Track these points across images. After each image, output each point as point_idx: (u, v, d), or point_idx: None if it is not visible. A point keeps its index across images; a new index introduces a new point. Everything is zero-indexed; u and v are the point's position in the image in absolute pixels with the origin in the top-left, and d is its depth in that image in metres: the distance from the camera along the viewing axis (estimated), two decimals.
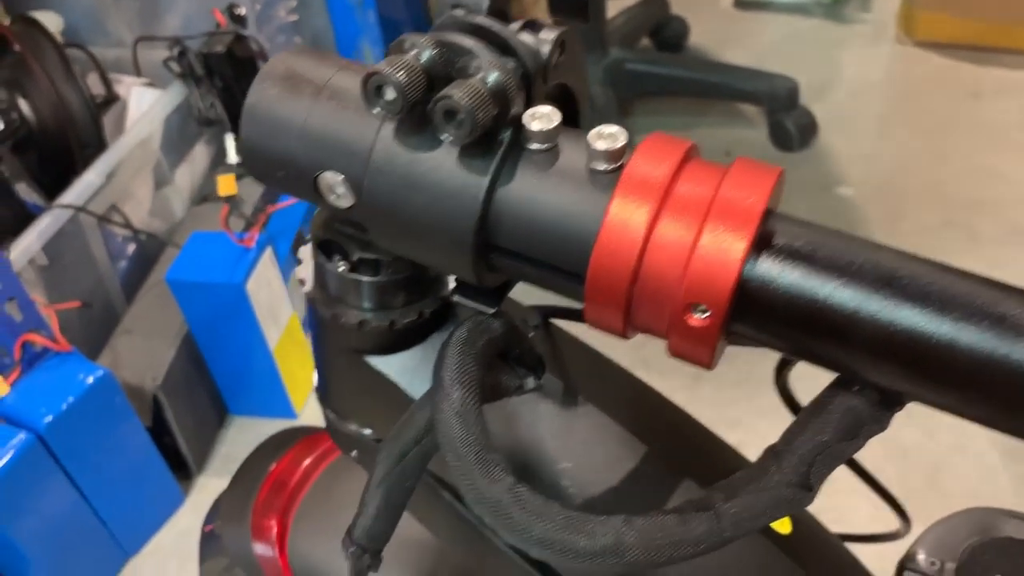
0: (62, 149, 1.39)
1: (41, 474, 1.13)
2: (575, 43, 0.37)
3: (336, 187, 0.37)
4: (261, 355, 1.36)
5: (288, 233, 1.46)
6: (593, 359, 0.47)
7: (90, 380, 1.16)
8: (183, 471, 1.38)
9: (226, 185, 1.26)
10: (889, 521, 0.54)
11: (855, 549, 0.52)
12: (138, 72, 1.59)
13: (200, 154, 1.60)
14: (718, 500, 0.34)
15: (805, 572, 0.44)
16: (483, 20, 0.34)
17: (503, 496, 0.33)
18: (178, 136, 1.53)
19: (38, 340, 1.16)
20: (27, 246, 1.22)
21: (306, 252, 0.44)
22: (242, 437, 1.46)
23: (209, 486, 1.40)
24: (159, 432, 1.31)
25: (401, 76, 0.32)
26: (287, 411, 1.45)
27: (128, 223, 1.43)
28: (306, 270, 0.44)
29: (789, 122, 1.83)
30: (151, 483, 1.32)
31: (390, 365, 0.44)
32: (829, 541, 0.50)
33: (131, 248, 1.48)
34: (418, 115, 0.34)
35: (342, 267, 0.41)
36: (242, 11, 1.53)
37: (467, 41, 0.33)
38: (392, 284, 0.41)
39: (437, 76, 0.33)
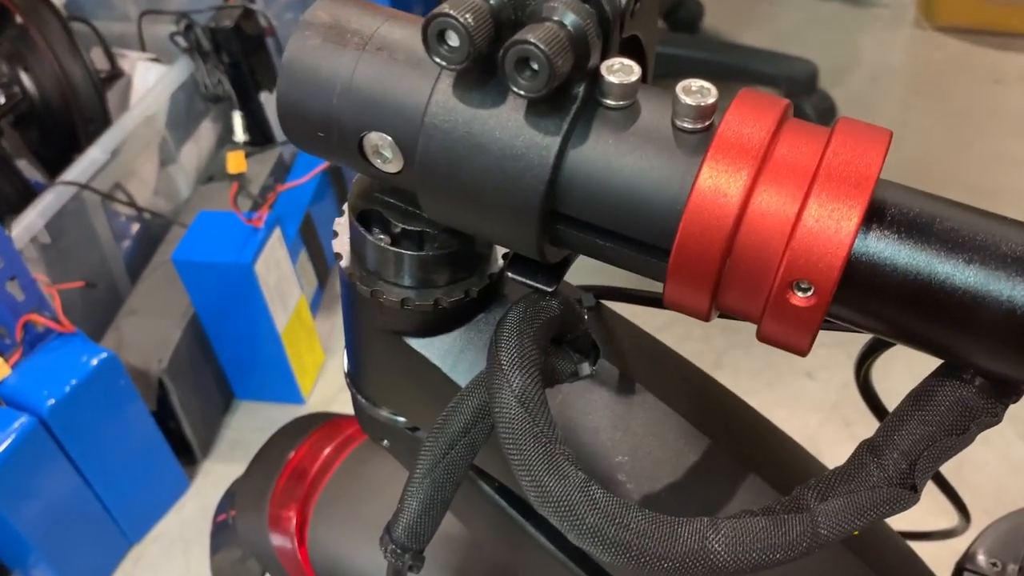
0: (65, 124, 1.35)
1: (43, 458, 1.10)
2: None
3: (383, 149, 0.33)
4: (269, 338, 1.32)
5: (296, 213, 1.42)
6: (648, 343, 0.44)
7: (94, 362, 1.12)
8: (188, 456, 1.35)
9: (236, 162, 1.22)
10: (928, 519, 0.50)
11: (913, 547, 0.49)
12: (143, 47, 1.54)
13: (206, 132, 1.56)
14: (811, 501, 0.30)
15: (875, 573, 0.41)
16: None
17: (574, 496, 0.30)
18: (184, 113, 1.49)
19: (40, 320, 1.12)
20: (29, 223, 1.18)
21: (342, 224, 0.40)
22: (248, 422, 1.43)
23: (214, 472, 1.37)
24: (164, 416, 1.28)
25: (468, 18, 0.28)
26: (295, 396, 1.42)
27: (132, 202, 1.39)
28: (342, 243, 0.40)
29: (808, 106, 1.79)
30: (155, 468, 1.29)
31: (432, 348, 0.40)
32: (895, 541, 0.47)
33: (135, 227, 1.44)
34: (481, 66, 0.30)
35: (383, 240, 0.38)
36: None
37: None
38: (437, 259, 0.38)
39: (505, 21, 0.29)
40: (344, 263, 0.39)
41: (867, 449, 0.31)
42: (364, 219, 0.38)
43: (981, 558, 0.56)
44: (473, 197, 0.32)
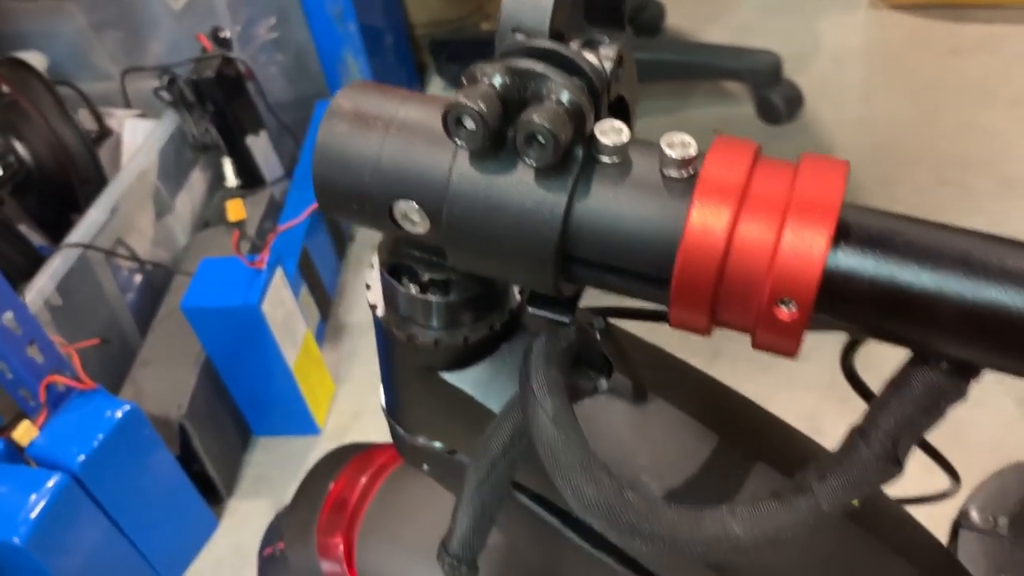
0: (62, 188, 1.39)
1: (78, 512, 1.14)
2: (629, 57, 0.38)
3: (411, 215, 0.38)
4: (281, 374, 1.37)
5: (294, 251, 1.47)
6: (656, 355, 0.49)
7: (118, 415, 1.16)
8: (213, 496, 1.39)
9: (235, 210, 1.27)
10: (928, 482, 0.55)
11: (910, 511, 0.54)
12: (128, 104, 1.59)
13: (198, 180, 1.60)
14: (813, 481, 0.35)
15: (876, 539, 0.46)
16: (549, 44, 0.35)
17: (613, 499, 0.35)
18: (175, 164, 1.53)
19: (62, 380, 1.16)
20: (41, 287, 1.22)
21: (373, 277, 0.45)
22: (268, 457, 1.47)
23: (240, 509, 1.41)
24: (187, 459, 1.32)
25: (481, 105, 0.33)
26: (310, 427, 1.46)
27: (134, 255, 1.43)
28: (375, 295, 0.45)
29: (775, 96, 1.85)
30: (184, 510, 1.33)
31: (464, 379, 0.45)
32: (892, 507, 0.52)
33: (138, 279, 1.48)
34: (494, 140, 0.35)
35: (414, 290, 0.42)
36: (226, 34, 1.53)
37: (538, 66, 0.34)
38: (463, 302, 0.42)
39: (511, 101, 0.34)
40: (380, 312, 0.44)
41: (856, 433, 0.36)
42: (394, 272, 0.43)
43: (975, 514, 0.61)
44: (495, 249, 0.37)
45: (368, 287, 0.45)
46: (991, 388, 1.34)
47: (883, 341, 0.35)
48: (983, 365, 0.34)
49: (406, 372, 0.47)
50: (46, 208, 1.44)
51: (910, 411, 0.35)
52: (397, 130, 0.37)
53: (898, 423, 0.35)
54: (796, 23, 2.18)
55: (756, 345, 0.35)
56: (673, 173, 0.34)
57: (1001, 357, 0.32)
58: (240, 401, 1.43)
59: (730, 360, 1.53)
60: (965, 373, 0.35)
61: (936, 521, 0.56)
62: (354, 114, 0.38)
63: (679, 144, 0.34)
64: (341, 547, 0.66)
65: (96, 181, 1.40)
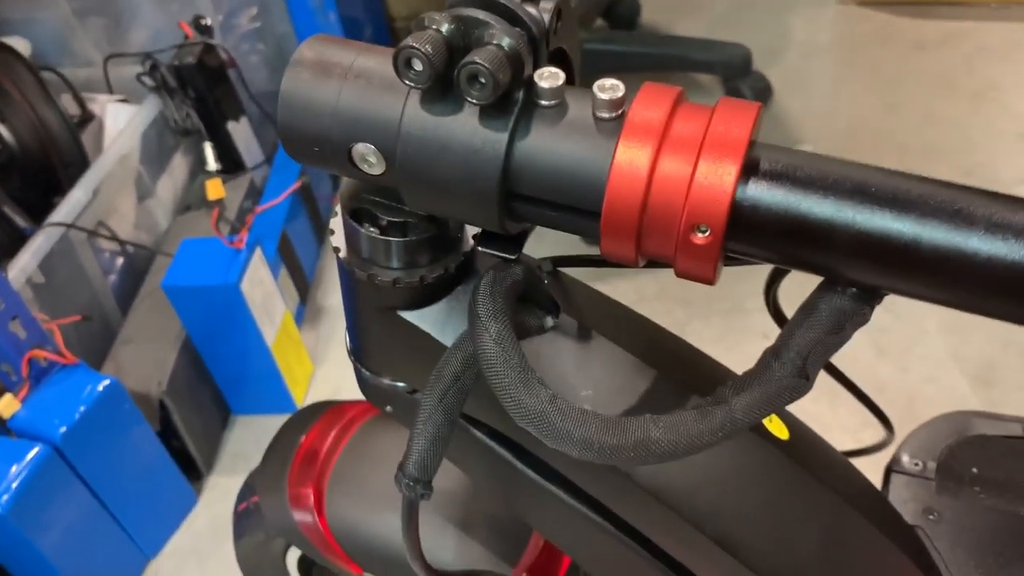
0: (45, 170, 1.41)
1: (60, 484, 1.17)
2: (568, 11, 0.42)
3: (368, 156, 0.42)
4: (260, 353, 1.40)
5: (273, 234, 1.50)
6: (600, 300, 0.53)
7: (99, 389, 1.19)
8: (193, 472, 1.42)
9: (214, 189, 1.30)
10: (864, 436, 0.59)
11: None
12: (110, 89, 1.61)
13: (179, 164, 1.63)
14: (729, 396, 0.39)
15: (807, 471, 0.50)
16: None
17: (545, 407, 0.38)
18: (156, 148, 1.56)
19: (44, 355, 1.19)
20: (24, 265, 1.25)
21: (337, 223, 0.48)
22: (247, 435, 1.50)
23: (220, 485, 1.44)
24: (167, 436, 1.35)
25: (428, 48, 0.36)
26: (288, 406, 1.49)
27: (116, 237, 1.46)
28: (339, 239, 0.48)
29: (745, 88, 1.89)
30: (164, 485, 1.36)
31: (422, 317, 0.48)
32: (822, 444, 0.56)
33: (120, 261, 1.51)
34: (440, 83, 0.38)
35: (374, 232, 0.46)
36: (208, 22, 1.56)
37: (480, 13, 0.38)
38: (419, 243, 0.46)
39: (456, 47, 0.38)
40: (342, 254, 0.48)
41: (770, 353, 0.40)
42: (355, 216, 0.47)
43: (905, 459, 0.65)
44: (445, 187, 0.40)
45: (332, 232, 0.49)
46: (946, 366, 1.39)
47: (793, 269, 0.39)
48: (883, 289, 0.38)
49: (368, 312, 0.50)
50: (29, 190, 1.46)
51: (818, 333, 0.39)
52: (354, 77, 0.41)
53: (807, 343, 0.39)
54: (767, 17, 2.24)
55: (678, 272, 0.39)
56: (604, 114, 0.38)
57: (898, 281, 0.36)
58: (219, 380, 1.46)
59: (695, 340, 1.57)
60: (868, 298, 0.38)
61: (871, 469, 0.60)
62: (315, 63, 0.42)
63: (609, 87, 0.38)
64: (312, 497, 0.70)
65: (79, 164, 1.43)
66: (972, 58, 1.98)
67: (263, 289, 1.38)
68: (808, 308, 0.39)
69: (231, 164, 1.59)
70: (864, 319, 0.39)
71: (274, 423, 1.49)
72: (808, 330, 0.39)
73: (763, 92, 1.91)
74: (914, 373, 1.37)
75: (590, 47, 1.92)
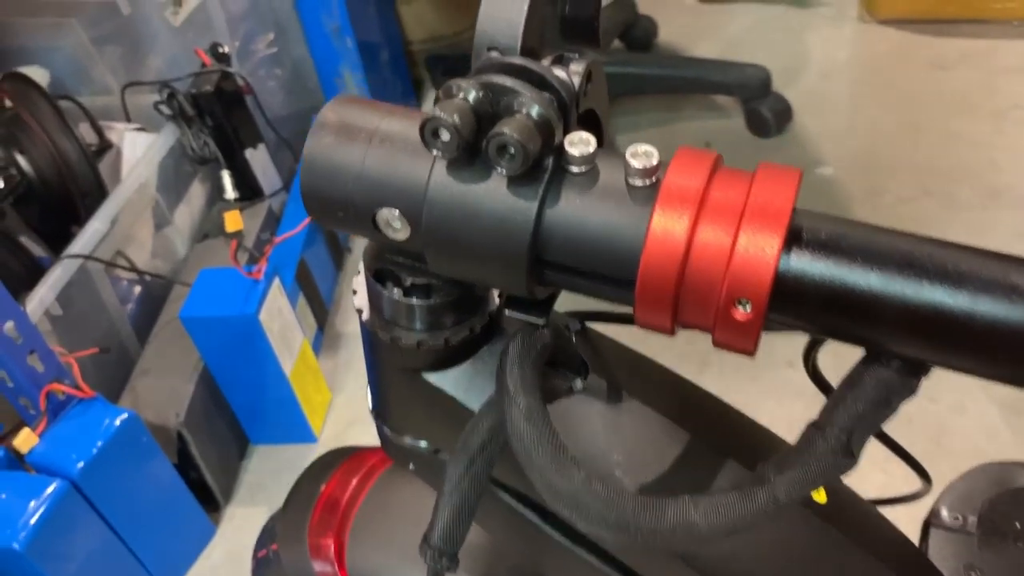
0: (63, 200, 1.41)
1: (77, 518, 1.16)
2: (599, 72, 0.41)
3: (393, 221, 0.40)
4: (278, 383, 1.39)
5: (291, 262, 1.49)
6: (630, 357, 0.51)
7: (116, 423, 1.18)
8: (211, 504, 1.41)
9: (232, 221, 1.29)
10: (901, 487, 0.57)
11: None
12: (128, 118, 1.61)
13: (197, 193, 1.63)
14: (771, 474, 0.38)
15: (844, 535, 0.48)
16: (519, 60, 0.38)
17: (579, 489, 0.37)
18: (174, 177, 1.56)
19: (62, 389, 1.19)
20: (41, 298, 1.25)
21: (360, 282, 0.47)
22: (265, 465, 1.49)
23: (238, 516, 1.43)
24: (185, 467, 1.34)
25: (456, 118, 0.35)
26: (307, 436, 1.48)
27: (134, 267, 1.45)
28: (361, 299, 0.47)
29: (764, 109, 1.88)
30: (182, 518, 1.35)
31: (445, 380, 0.47)
32: (862, 505, 0.54)
33: (138, 290, 1.51)
34: (468, 151, 0.37)
35: (397, 294, 0.45)
36: (225, 49, 1.56)
37: (508, 81, 0.37)
38: (444, 305, 0.45)
39: (484, 115, 0.37)
40: (365, 316, 0.47)
41: (813, 428, 0.38)
42: (379, 277, 0.46)
43: (945, 513, 0.63)
44: (471, 254, 0.39)
45: (355, 292, 0.48)
46: (975, 395, 1.37)
47: (836, 340, 0.37)
48: (931, 363, 0.36)
49: (391, 373, 0.49)
50: (47, 220, 1.46)
51: (863, 407, 0.37)
52: (379, 141, 0.40)
53: (852, 418, 0.37)
54: (786, 37, 2.22)
55: (716, 343, 0.38)
56: (637, 182, 0.37)
57: (947, 355, 0.35)
58: (237, 410, 1.45)
59: (718, 370, 1.56)
60: (915, 371, 0.37)
61: (911, 523, 0.58)
62: (339, 126, 0.41)
63: (642, 154, 0.37)
64: (332, 547, 0.68)
65: (96, 194, 1.43)
66: (993, 77, 1.96)
67: (281, 319, 1.37)
68: (852, 381, 0.38)
69: (249, 191, 1.58)
70: (911, 392, 0.37)
71: (292, 453, 1.50)
72: (853, 404, 0.37)
73: (782, 113, 1.90)
74: (943, 403, 1.34)
75: (607, 71, 1.90)
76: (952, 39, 2.07)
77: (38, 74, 1.59)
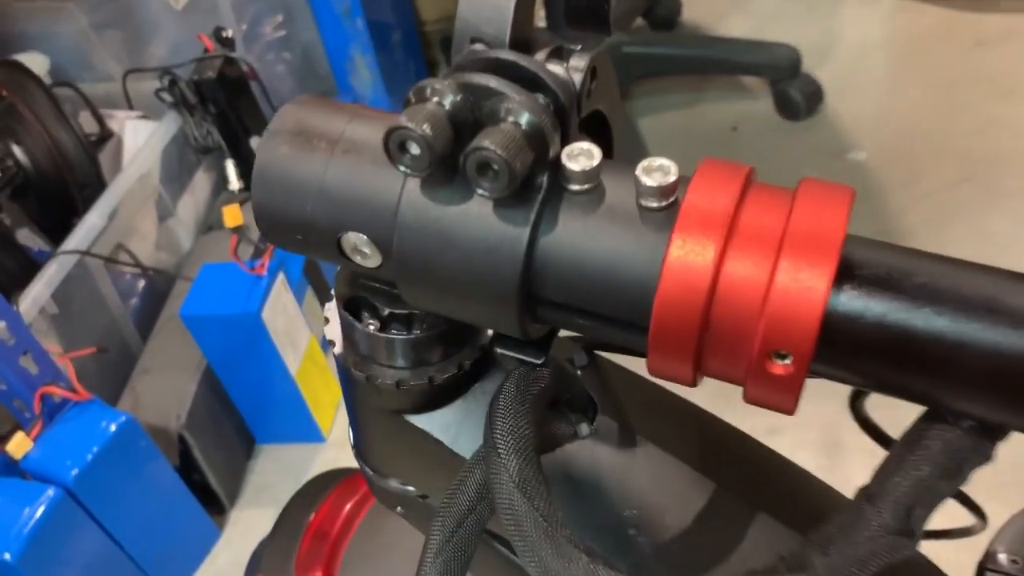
0: (61, 192, 1.37)
1: (73, 527, 1.11)
2: (606, 66, 0.34)
3: (361, 247, 0.34)
4: (283, 382, 1.34)
5: (297, 257, 1.43)
6: (646, 391, 0.45)
7: (112, 428, 1.14)
8: (215, 506, 1.36)
9: (232, 216, 1.23)
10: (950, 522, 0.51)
11: (928, 546, 0.49)
12: (130, 105, 1.56)
13: (201, 183, 1.57)
14: (814, 556, 0.31)
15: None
16: (506, 55, 0.31)
17: None
18: (177, 167, 1.50)
19: (56, 391, 1.14)
20: (36, 296, 1.20)
21: (332, 310, 0.41)
22: (272, 466, 1.44)
23: (243, 519, 1.38)
24: (188, 469, 1.30)
25: (426, 129, 0.29)
26: (315, 435, 1.43)
27: (136, 261, 1.40)
28: (334, 330, 0.41)
29: (794, 91, 1.79)
30: (184, 522, 1.30)
31: (432, 422, 0.41)
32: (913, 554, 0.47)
33: (141, 285, 1.46)
34: (446, 165, 0.31)
35: (372, 326, 0.38)
36: (229, 33, 1.49)
37: (492, 81, 0.30)
38: (428, 340, 0.38)
39: (463, 123, 0.30)
40: (337, 350, 0.40)
41: (864, 497, 0.32)
42: (352, 305, 0.39)
43: (1002, 556, 0.56)
44: (451, 288, 0.33)
45: (326, 320, 0.41)
46: None
47: (894, 396, 0.30)
48: (1013, 426, 0.29)
49: (370, 414, 0.43)
50: (47, 213, 1.42)
51: (925, 475, 0.30)
52: (343, 152, 0.33)
53: (912, 489, 0.30)
54: (816, 15, 2.12)
55: (748, 399, 0.31)
56: (651, 202, 0.30)
57: None
58: (243, 409, 1.40)
59: (737, 397, 1.48)
60: (990, 434, 0.30)
61: (958, 566, 0.51)
62: (297, 133, 0.34)
63: (657, 170, 0.30)
64: None
65: (95, 185, 1.38)
66: None
67: (286, 315, 1.32)
68: (912, 443, 0.31)
69: None
70: (986, 459, 0.31)
71: (300, 452, 1.44)
72: (913, 472, 0.31)
73: (813, 95, 1.81)
74: None
75: (629, 51, 1.83)
76: (993, 15, 1.97)
77: (37, 61, 1.54)
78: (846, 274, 0.28)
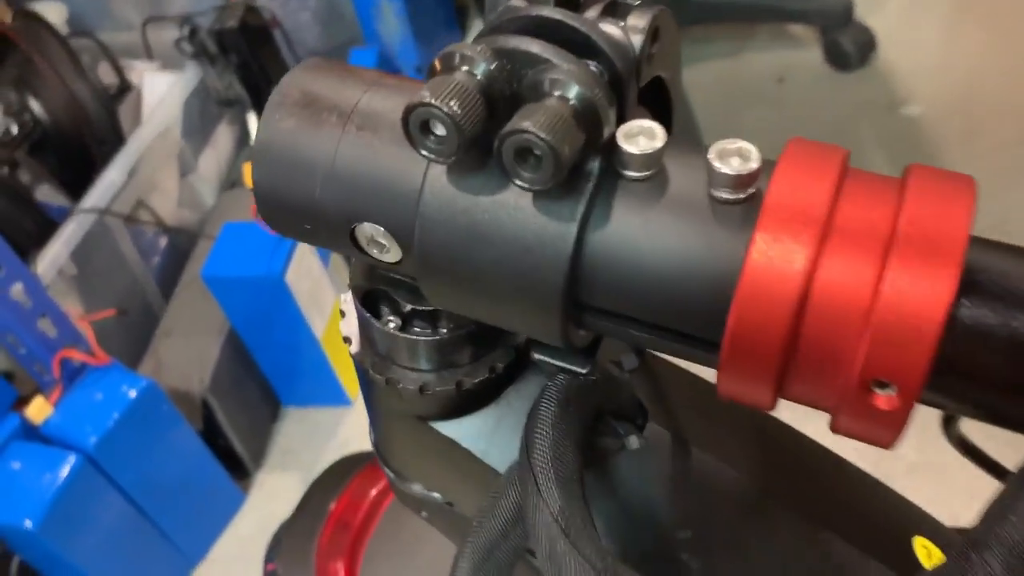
0: (79, 147, 1.32)
1: (94, 494, 1.09)
2: (670, 25, 0.28)
3: (378, 239, 0.29)
4: (308, 345, 1.30)
5: None
6: (702, 393, 0.39)
7: (133, 393, 1.10)
8: (240, 470, 1.34)
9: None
10: None
11: None
12: (149, 56, 1.51)
13: (224, 136, 1.52)
14: None
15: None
16: (551, 12, 0.25)
17: None
18: (199, 120, 1.46)
19: (76, 355, 1.11)
20: (54, 256, 1.16)
21: (348, 303, 0.36)
22: (298, 428, 1.41)
23: (268, 482, 1.36)
24: (211, 434, 1.27)
25: (453, 106, 0.23)
26: (341, 398, 1.40)
27: (157, 218, 1.37)
28: (350, 326, 0.36)
29: (845, 40, 1.70)
30: (208, 488, 1.28)
31: (460, 430, 0.36)
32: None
33: (163, 243, 1.42)
34: (478, 147, 0.25)
35: (392, 323, 0.33)
36: None
37: (534, 46, 0.25)
38: (455, 340, 0.33)
39: (499, 97, 0.25)
40: (353, 349, 0.35)
41: (969, 545, 0.26)
42: (371, 299, 0.34)
43: None
44: (482, 290, 0.27)
45: (343, 315, 0.37)
46: None
47: (1006, 428, 0.25)
48: None
49: (391, 419, 0.38)
50: (66, 168, 1.38)
51: None
52: (357, 128, 0.28)
53: None
54: None
55: (836, 430, 0.26)
56: (726, 193, 0.24)
57: None
58: (268, 371, 1.37)
59: None
60: None
61: None
62: (304, 104, 0.29)
63: (735, 154, 0.24)
64: (343, 573, 0.59)
65: (112, 140, 1.33)
66: None
67: (311, 278, 1.27)
68: None
69: None
70: None
71: (326, 415, 1.41)
72: None
73: (865, 45, 1.72)
74: None
75: None
76: None
77: (56, 10, 1.49)
78: (968, 285, 0.23)
